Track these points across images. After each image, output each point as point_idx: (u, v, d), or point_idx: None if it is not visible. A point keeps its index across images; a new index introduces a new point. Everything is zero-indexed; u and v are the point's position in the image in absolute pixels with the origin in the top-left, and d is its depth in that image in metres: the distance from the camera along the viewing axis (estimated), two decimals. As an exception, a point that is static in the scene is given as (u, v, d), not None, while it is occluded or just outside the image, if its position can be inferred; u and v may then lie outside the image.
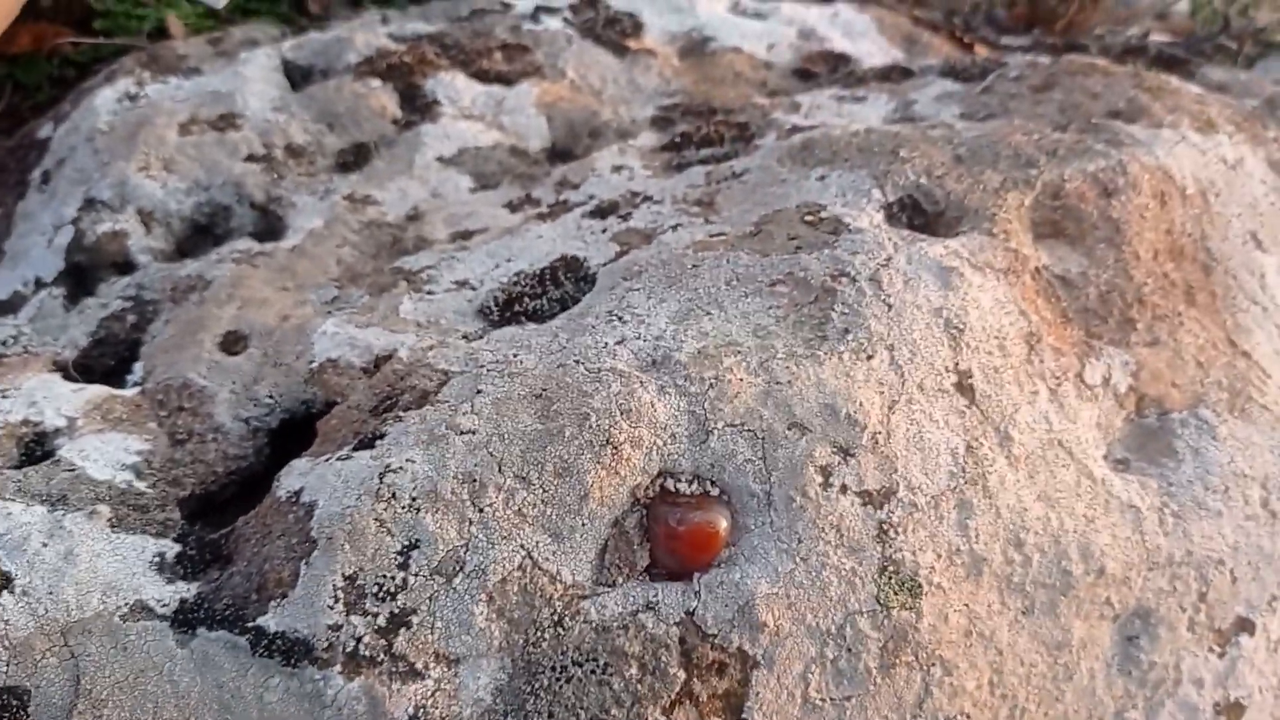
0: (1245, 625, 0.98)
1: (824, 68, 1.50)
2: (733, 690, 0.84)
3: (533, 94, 1.37)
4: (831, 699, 0.86)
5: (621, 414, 0.85)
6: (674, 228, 1.05)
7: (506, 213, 1.20)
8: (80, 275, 1.22)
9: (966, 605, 0.88)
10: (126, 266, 1.22)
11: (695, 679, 0.83)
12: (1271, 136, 1.31)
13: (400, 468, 0.83)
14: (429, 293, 1.06)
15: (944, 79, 1.40)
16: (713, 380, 0.87)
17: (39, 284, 1.23)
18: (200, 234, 1.27)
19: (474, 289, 1.05)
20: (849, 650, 0.85)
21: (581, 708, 0.82)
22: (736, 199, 1.09)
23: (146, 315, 1.12)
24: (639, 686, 0.82)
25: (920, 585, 0.86)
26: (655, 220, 1.08)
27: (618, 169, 1.22)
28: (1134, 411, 1.00)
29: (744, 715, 0.84)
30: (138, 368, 1.06)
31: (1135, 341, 1.02)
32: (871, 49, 1.57)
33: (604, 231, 1.08)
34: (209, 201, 1.27)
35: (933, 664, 0.87)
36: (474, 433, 0.85)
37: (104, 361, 1.10)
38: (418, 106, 1.35)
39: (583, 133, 1.34)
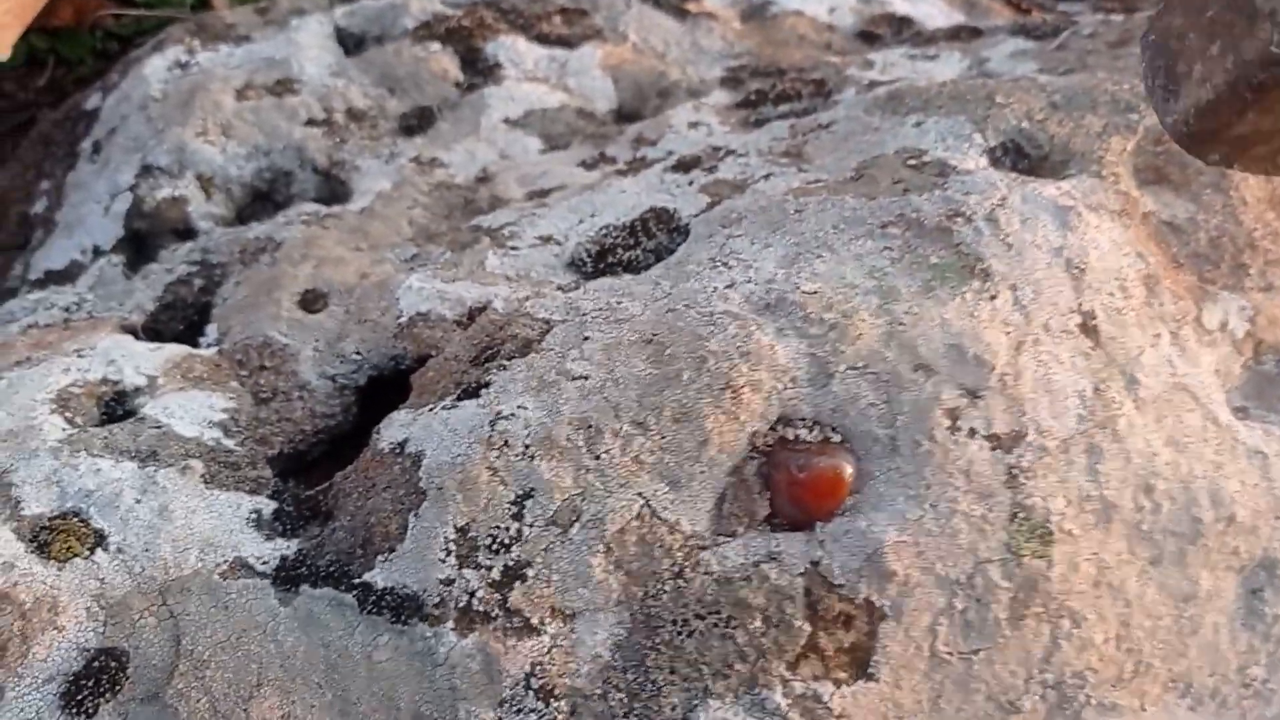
0: (1372, 578, 0.94)
1: (887, 29, 1.47)
2: (859, 644, 0.80)
3: (597, 56, 1.34)
4: (959, 652, 0.82)
5: (740, 356, 0.81)
6: (766, 177, 1.02)
7: (582, 171, 1.16)
8: (140, 242, 1.19)
9: (1096, 554, 0.84)
10: (187, 233, 1.18)
11: (821, 632, 0.79)
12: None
13: (512, 414, 0.79)
14: (513, 248, 1.02)
15: (1015, 37, 1.37)
16: (833, 322, 0.83)
17: (97, 252, 1.19)
18: (261, 200, 1.23)
19: (560, 244, 1.02)
20: (978, 601, 0.81)
21: (704, 663, 0.78)
22: (827, 149, 1.05)
23: (215, 278, 1.09)
24: (763, 640, 0.79)
25: (1051, 532, 0.82)
26: (744, 171, 1.04)
27: (694, 125, 1.18)
28: (1252, 358, 0.96)
29: (870, 670, 0.80)
30: (211, 329, 1.02)
31: (1249, 287, 0.98)
32: (932, 11, 1.53)
33: (690, 184, 1.04)
34: (270, 166, 1.23)
35: (1062, 615, 0.84)
36: (586, 378, 0.81)
37: (173, 325, 1.06)
38: (480, 69, 1.31)
39: (651, 93, 1.31)
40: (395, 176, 1.19)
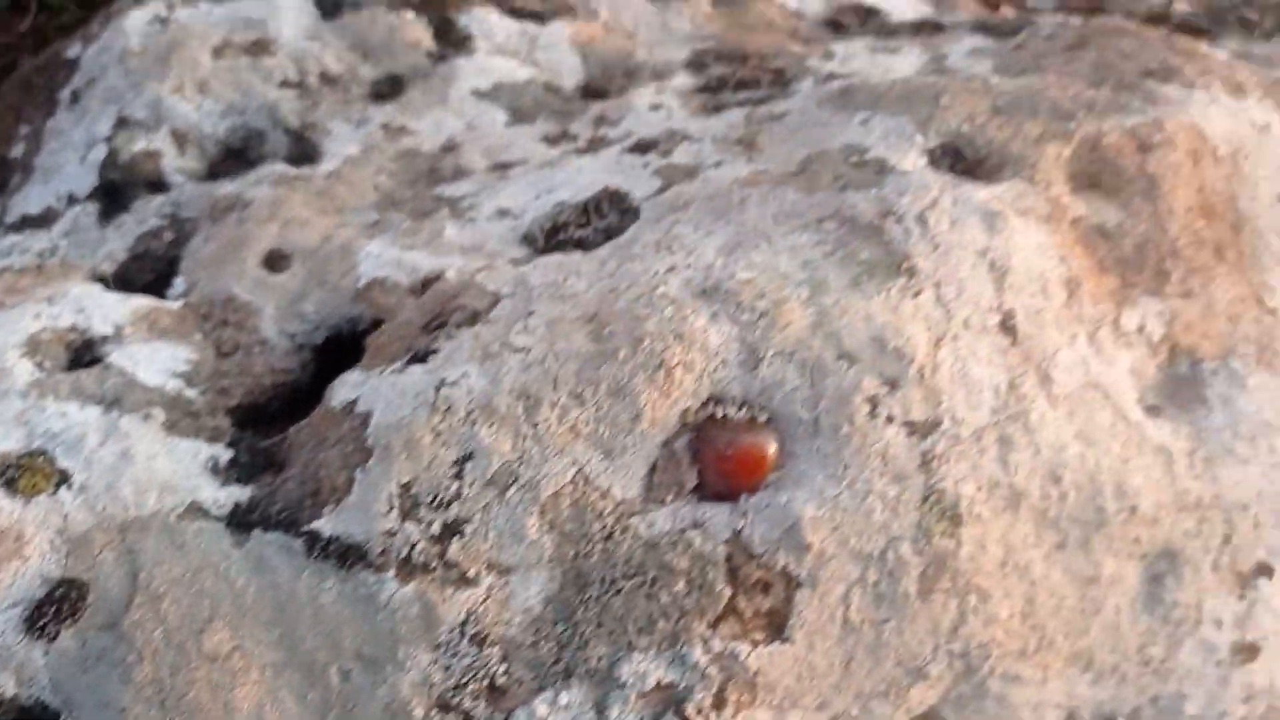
0: (1265, 569, 1.00)
1: (855, 19, 1.51)
2: (776, 608, 0.86)
3: (566, 32, 1.37)
4: (870, 620, 0.88)
5: (674, 338, 0.86)
6: (717, 164, 1.06)
7: (544, 146, 1.20)
8: (114, 192, 1.22)
9: (1004, 536, 0.90)
10: (159, 185, 1.22)
11: (740, 596, 0.85)
12: (1296, 104, 1.33)
13: (456, 381, 0.84)
14: (471, 219, 1.06)
15: (975, 34, 1.42)
16: (764, 309, 0.88)
17: (72, 199, 1.22)
18: (233, 157, 1.27)
19: (516, 217, 1.06)
20: (890, 574, 0.87)
21: (629, 619, 0.84)
22: (778, 139, 1.10)
23: (185, 232, 1.13)
24: (685, 601, 0.84)
25: (961, 515, 0.88)
26: (697, 157, 1.09)
27: (655, 107, 1.23)
28: (1166, 360, 1.02)
29: (786, 633, 0.86)
30: (179, 282, 1.06)
31: (1169, 292, 1.04)
32: (900, 4, 1.58)
33: (645, 166, 1.09)
34: (243, 125, 1.27)
35: (969, 592, 0.90)
36: (528, 350, 0.86)
37: (143, 276, 1.10)
38: (452, 40, 1.35)
39: (617, 72, 1.35)
40: (364, 142, 1.23)
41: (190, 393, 0.92)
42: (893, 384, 0.88)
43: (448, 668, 0.83)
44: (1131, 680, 1.00)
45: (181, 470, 0.85)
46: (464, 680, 0.84)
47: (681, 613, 0.84)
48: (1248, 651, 1.01)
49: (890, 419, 0.87)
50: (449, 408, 0.84)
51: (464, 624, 0.82)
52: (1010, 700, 0.96)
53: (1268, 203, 1.18)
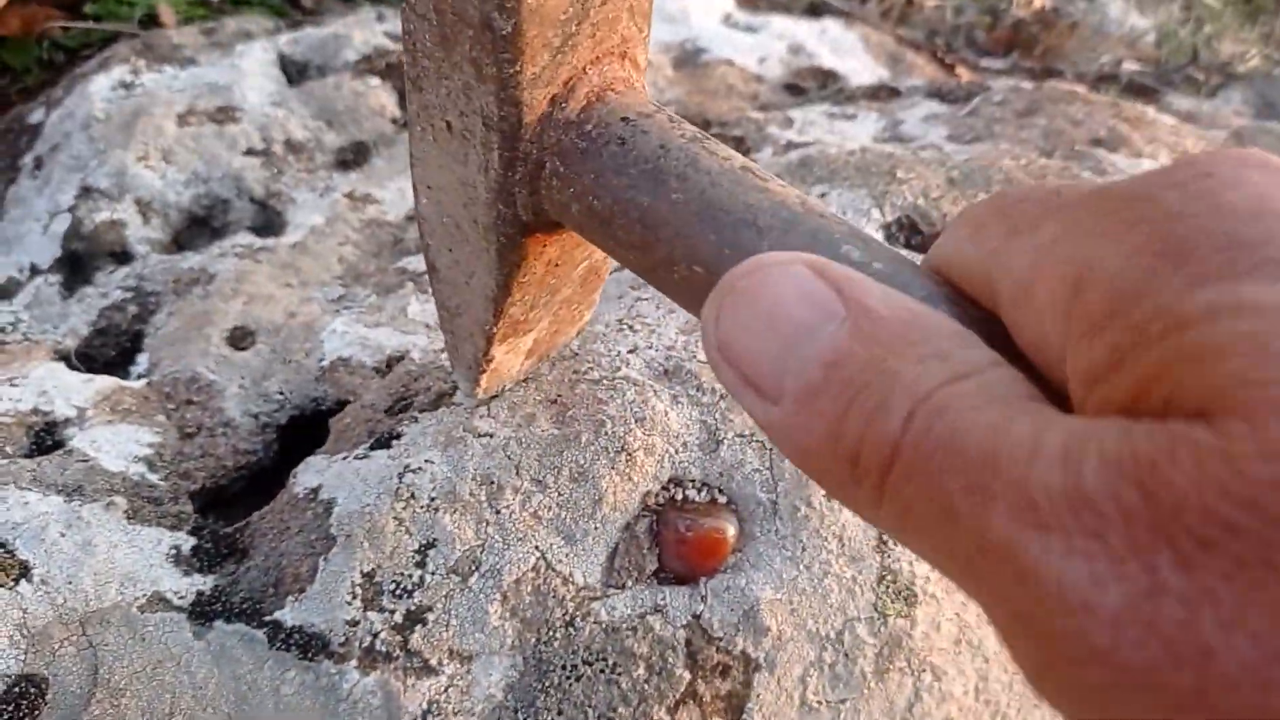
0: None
1: (813, 83, 1.54)
2: (735, 691, 0.87)
3: (530, 99, 1.39)
4: (827, 701, 0.89)
5: (636, 422, 0.87)
6: (678, 239, 1.08)
7: (507, 217, 1.21)
8: (77, 263, 1.22)
9: (957, 614, 0.92)
10: (124, 256, 1.22)
11: (700, 680, 0.86)
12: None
13: (419, 468, 0.85)
14: (435, 294, 1.07)
15: (930, 100, 1.44)
16: (723, 391, 0.90)
17: (34, 270, 1.23)
18: (198, 226, 1.27)
19: (480, 292, 1.07)
20: (846, 655, 0.89)
21: (590, 705, 0.85)
22: (738, 213, 1.11)
23: (149, 307, 1.13)
24: (646, 686, 0.85)
25: (916, 594, 0.90)
26: (658, 231, 1.10)
27: (618, 178, 1.24)
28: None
29: (745, 716, 0.87)
30: (142, 359, 1.07)
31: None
32: (858, 66, 1.61)
33: (607, 240, 1.10)
34: (208, 194, 1.27)
35: (924, 670, 0.91)
36: (491, 435, 0.87)
37: (105, 351, 1.10)
38: (416, 107, 1.36)
39: (580, 139, 1.36)
40: (329, 211, 1.24)
41: (153, 477, 0.93)
42: (849, 466, 0.89)
43: (410, 754, 0.84)
44: (1088, 746, 1.01)
45: (143, 560, 0.85)
46: (427, 766, 0.84)
47: (641, 698, 0.85)
48: None
49: (847, 501, 0.89)
50: (412, 495, 0.84)
51: (426, 714, 0.83)
52: (968, 771, 0.98)
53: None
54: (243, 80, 1.38)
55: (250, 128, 1.32)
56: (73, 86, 1.41)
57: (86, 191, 1.26)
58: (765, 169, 1.05)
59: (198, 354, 1.03)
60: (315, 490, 0.87)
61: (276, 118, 1.34)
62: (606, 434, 0.87)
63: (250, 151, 1.30)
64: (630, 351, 0.93)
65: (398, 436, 0.89)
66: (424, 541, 0.84)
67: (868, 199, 1.09)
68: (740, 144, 1.29)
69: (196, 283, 1.12)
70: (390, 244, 1.20)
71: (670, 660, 0.85)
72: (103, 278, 1.19)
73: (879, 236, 1.05)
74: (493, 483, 0.85)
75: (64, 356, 1.07)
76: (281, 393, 1.00)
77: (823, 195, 1.10)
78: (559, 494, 0.85)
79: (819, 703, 0.89)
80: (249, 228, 1.25)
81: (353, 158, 1.32)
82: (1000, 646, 0.94)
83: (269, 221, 1.26)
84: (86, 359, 1.08)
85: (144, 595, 0.83)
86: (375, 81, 1.38)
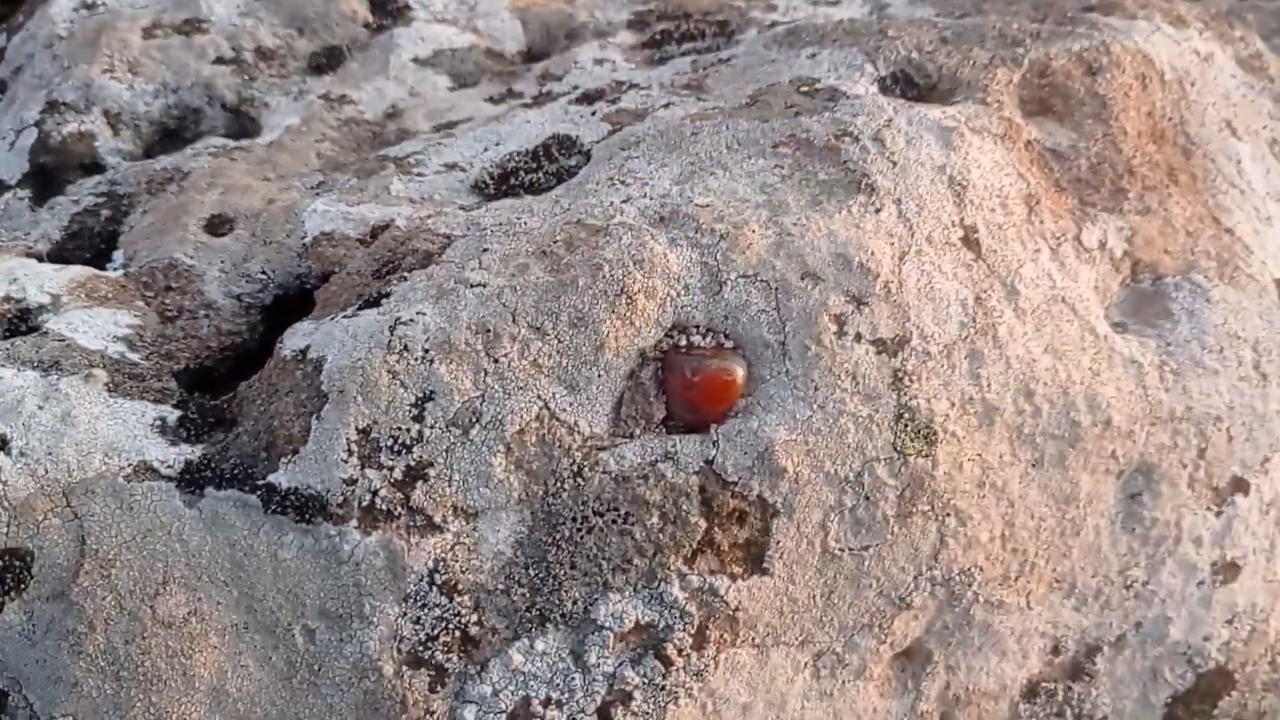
0: (1240, 485, 0.99)
1: (795, -25, 1.50)
2: (753, 539, 0.83)
3: (505, -1, 1.35)
4: (850, 549, 0.86)
5: (634, 264, 0.84)
6: (666, 106, 1.04)
7: (489, 105, 1.18)
8: (46, 177, 1.18)
9: (980, 455, 0.88)
10: (94, 168, 1.18)
11: (716, 528, 0.83)
12: (1239, 35, 1.33)
13: (411, 320, 0.81)
14: (419, 174, 1.04)
15: (916, -17, 1.41)
16: (724, 232, 0.86)
17: (2, 186, 1.18)
18: (170, 136, 1.23)
19: (464, 170, 1.04)
20: (867, 498, 0.85)
21: (604, 558, 0.81)
22: (726, 80, 1.08)
23: (122, 208, 1.09)
24: (660, 535, 0.81)
25: (935, 432, 0.86)
26: (646, 102, 1.07)
27: (600, 62, 1.21)
28: (1129, 276, 1.01)
29: (765, 565, 0.84)
30: (118, 255, 1.03)
31: (1128, 209, 1.03)
32: (839, -38, 1.57)
33: (594, 114, 1.07)
34: (178, 104, 1.23)
35: (948, 514, 0.88)
36: (484, 285, 0.83)
37: (80, 254, 1.06)
38: (389, 10, 1.32)
39: (559, 34, 1.32)
40: (304, 112, 1.20)
41: (134, 356, 0.89)
42: (859, 301, 0.86)
43: (417, 620, 0.80)
44: (1115, 605, 0.98)
45: (127, 431, 0.81)
46: (435, 632, 0.80)
47: (657, 548, 0.81)
48: (1228, 571, 1.00)
49: (858, 337, 0.85)
50: (405, 347, 0.81)
51: (432, 573, 0.79)
52: (995, 629, 0.94)
53: (1215, 129, 1.18)
54: (208, -6, 1.34)
55: (219, 38, 1.28)
56: (33, 10, 1.37)
57: (52, 106, 1.21)
58: (752, 43, 1.02)
59: (175, 242, 0.99)
60: (304, 351, 0.83)
61: (245, 27, 1.30)
62: (604, 277, 0.83)
63: (220, 60, 1.26)
64: (624, 201, 0.89)
65: (387, 295, 0.85)
66: (420, 394, 0.80)
67: (859, 55, 1.06)
68: (724, 27, 1.26)
69: (171, 180, 1.08)
70: (369, 139, 1.17)
71: (685, 507, 0.82)
72: (73, 188, 1.15)
73: (873, 89, 1.02)
74: (489, 331, 0.81)
75: (36, 257, 1.03)
76: (264, 272, 0.96)
77: (813, 55, 1.07)
78: (559, 340, 0.82)
79: (841, 549, 0.85)
80: (223, 134, 1.21)
81: (326, 62, 1.28)
82: (1025, 489, 0.90)
83: (243, 127, 1.22)
84: (60, 261, 1.04)
85: (129, 465, 0.79)
86: (345, -13, 1.34)
